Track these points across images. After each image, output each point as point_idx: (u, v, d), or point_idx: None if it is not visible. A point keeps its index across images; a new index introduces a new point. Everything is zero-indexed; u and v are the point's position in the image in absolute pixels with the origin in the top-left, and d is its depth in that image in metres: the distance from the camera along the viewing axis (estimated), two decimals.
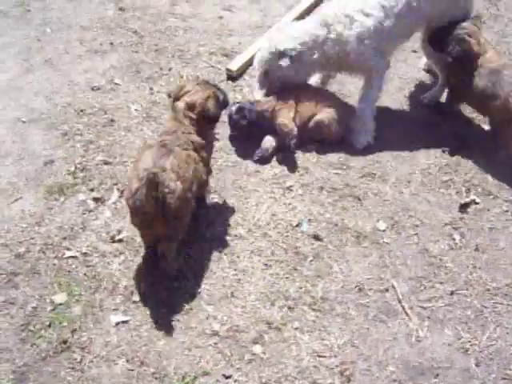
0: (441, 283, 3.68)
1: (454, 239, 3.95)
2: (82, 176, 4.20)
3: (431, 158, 4.50)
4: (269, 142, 4.42)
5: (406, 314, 3.51)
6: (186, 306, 3.46)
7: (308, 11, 6.05)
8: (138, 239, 3.76)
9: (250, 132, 4.49)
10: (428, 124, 4.81)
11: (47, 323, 3.35)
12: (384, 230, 3.96)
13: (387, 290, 3.62)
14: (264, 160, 4.39)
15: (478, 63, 4.43)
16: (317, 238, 3.86)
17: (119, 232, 3.83)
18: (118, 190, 4.10)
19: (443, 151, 4.55)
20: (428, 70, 5.34)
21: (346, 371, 3.23)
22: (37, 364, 3.19)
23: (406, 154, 4.53)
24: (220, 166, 4.35)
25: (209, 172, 3.88)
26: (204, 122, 3.67)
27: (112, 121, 4.66)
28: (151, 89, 4.98)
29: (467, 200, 4.19)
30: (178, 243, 3.54)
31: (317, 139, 4.54)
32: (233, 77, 5.13)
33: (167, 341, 3.32)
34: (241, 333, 3.36)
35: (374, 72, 4.60)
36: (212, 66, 5.27)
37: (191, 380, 3.15)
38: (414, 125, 4.80)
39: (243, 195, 4.14)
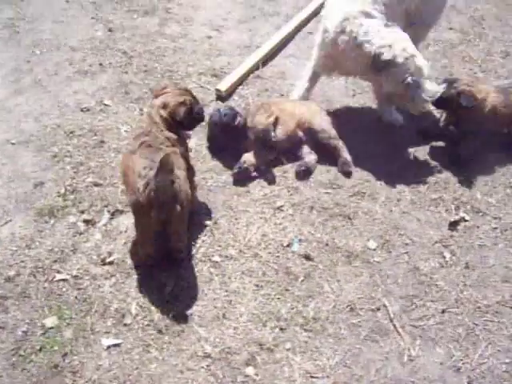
0: (432, 301, 3.69)
1: (444, 257, 3.96)
2: (72, 198, 4.19)
3: (420, 176, 4.53)
4: (245, 157, 4.44)
5: (398, 333, 3.51)
6: (178, 328, 3.45)
7: (296, 31, 6.12)
8: (129, 261, 3.77)
9: (229, 138, 4.54)
10: (416, 142, 4.84)
11: (38, 347, 3.32)
12: (374, 249, 3.97)
13: (379, 309, 3.63)
14: (243, 173, 4.37)
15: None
16: (308, 257, 3.86)
17: (110, 254, 3.82)
18: (108, 211, 4.09)
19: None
20: None
21: None
22: None
23: (394, 173, 4.55)
24: (210, 186, 4.35)
25: (189, 166, 3.94)
26: (173, 123, 3.79)
27: (102, 142, 4.66)
28: (141, 109, 4.99)
29: (457, 218, 4.22)
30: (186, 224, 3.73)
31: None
32: (222, 97, 5.16)
33: (159, 364, 3.30)
34: (233, 354, 3.34)
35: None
36: (201, 87, 5.29)
37: None
38: (402, 143, 4.83)
39: (234, 216, 4.14)
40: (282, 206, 4.21)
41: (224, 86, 5.19)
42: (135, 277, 3.70)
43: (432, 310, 3.64)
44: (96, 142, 4.67)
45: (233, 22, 6.24)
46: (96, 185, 4.30)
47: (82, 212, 4.10)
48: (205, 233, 4.00)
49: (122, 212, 4.10)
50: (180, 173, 3.54)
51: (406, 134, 4.92)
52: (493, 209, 4.33)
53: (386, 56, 4.24)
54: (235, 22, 6.23)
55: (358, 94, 5.33)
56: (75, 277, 3.70)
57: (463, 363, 3.38)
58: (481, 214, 4.29)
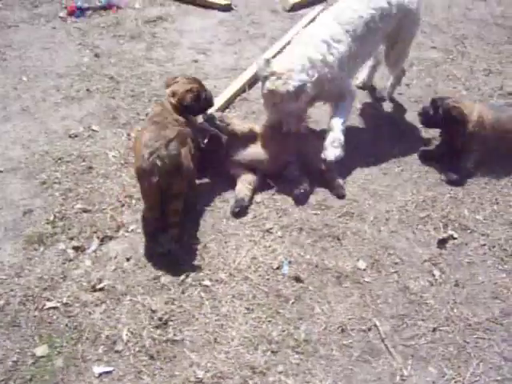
0: (423, 320, 3.69)
1: (433, 275, 3.97)
2: (61, 225, 4.19)
3: (408, 195, 4.57)
4: (242, 191, 4.43)
5: (390, 353, 3.50)
6: (170, 354, 3.43)
7: (281, 53, 6.16)
8: (119, 287, 3.76)
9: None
10: (403, 161, 4.89)
11: (28, 377, 3.29)
12: (364, 269, 3.98)
13: (370, 330, 3.62)
14: (243, 210, 4.37)
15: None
16: (298, 279, 3.86)
17: (100, 281, 3.81)
18: (97, 238, 4.09)
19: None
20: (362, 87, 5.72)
21: None
22: None
23: (382, 192, 4.58)
24: (199, 209, 4.36)
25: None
26: (182, 108, 4.30)
27: (90, 168, 4.68)
28: (128, 135, 5.02)
29: (445, 235, 4.24)
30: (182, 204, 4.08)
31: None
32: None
33: None
34: (225, 379, 3.32)
35: (348, 96, 4.77)
36: None
37: None
38: (389, 162, 4.88)
39: (223, 239, 4.14)
40: (270, 229, 4.22)
41: (211, 108, 5.19)
42: (126, 303, 3.69)
43: (423, 329, 3.64)
44: (84, 167, 4.68)
45: (219, 46, 6.30)
46: (85, 211, 4.30)
47: (72, 239, 4.09)
48: (194, 257, 4.00)
49: (111, 238, 4.10)
50: (184, 150, 3.98)
51: (392, 154, 4.97)
52: (480, 226, 4.36)
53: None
54: (221, 46, 6.29)
55: None
56: (65, 304, 3.68)
57: (455, 382, 3.37)
58: (469, 231, 4.32)
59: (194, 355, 3.44)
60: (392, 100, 5.63)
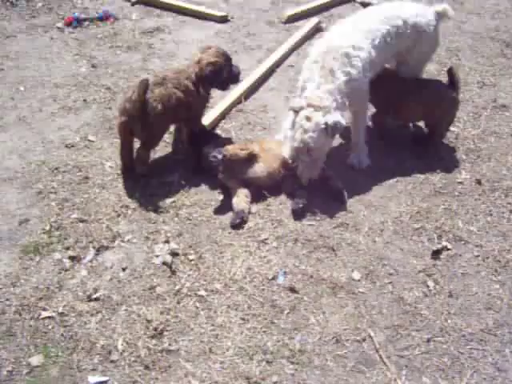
0: (417, 331, 3.71)
1: (427, 286, 3.99)
2: (57, 235, 4.20)
3: (402, 206, 4.59)
4: (240, 203, 4.44)
5: (384, 363, 3.52)
6: (165, 364, 3.44)
7: (277, 64, 6.22)
8: (115, 297, 3.77)
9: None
10: (398, 172, 4.92)
11: None
12: (359, 280, 3.99)
13: (364, 340, 3.64)
14: (243, 221, 4.38)
15: None
16: (293, 290, 3.88)
17: (96, 290, 3.82)
18: (93, 247, 4.10)
19: None
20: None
21: None
22: None
23: (377, 203, 4.61)
24: (194, 220, 4.38)
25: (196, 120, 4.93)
26: (201, 78, 4.63)
27: (86, 178, 4.69)
28: None
29: (439, 246, 4.26)
30: (149, 153, 4.67)
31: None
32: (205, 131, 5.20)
33: None
34: None
35: (365, 102, 4.88)
36: None
37: None
38: (383, 173, 4.91)
39: (218, 249, 4.16)
40: (266, 239, 4.24)
41: (206, 120, 5.24)
42: (121, 313, 3.70)
43: (417, 340, 3.66)
44: (81, 178, 4.70)
45: None
46: (81, 221, 4.32)
47: (68, 248, 4.10)
48: (190, 267, 4.02)
49: (107, 248, 4.11)
50: (158, 106, 4.41)
51: (386, 165, 5.00)
52: (474, 237, 4.39)
53: None
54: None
55: None
56: (61, 314, 3.68)
57: None
58: (463, 242, 4.34)
59: (189, 365, 3.44)
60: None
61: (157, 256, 4.04)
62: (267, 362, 3.48)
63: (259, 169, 4.60)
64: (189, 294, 3.84)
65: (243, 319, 3.70)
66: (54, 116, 5.40)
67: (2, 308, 3.70)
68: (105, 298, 3.78)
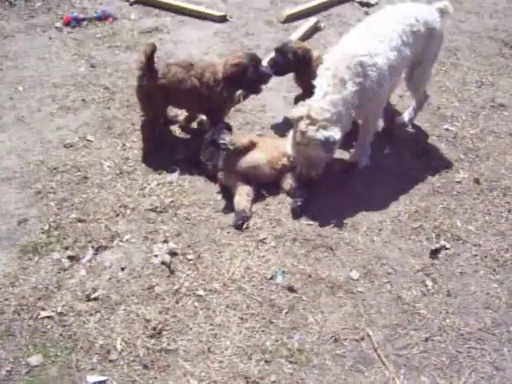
0: (415, 330, 3.72)
1: (426, 285, 4.00)
2: (56, 234, 4.20)
3: (400, 206, 4.60)
4: (241, 203, 4.43)
5: (382, 362, 3.53)
6: (163, 363, 3.45)
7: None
8: (114, 296, 3.78)
9: None
10: (396, 171, 4.92)
11: None
12: (357, 279, 4.00)
13: (363, 339, 3.65)
14: (246, 221, 4.38)
15: None
16: (291, 289, 3.89)
17: (94, 290, 3.82)
18: (92, 247, 4.11)
19: None
20: None
21: None
22: None
23: (375, 203, 4.62)
24: (193, 220, 4.39)
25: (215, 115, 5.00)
26: (226, 78, 4.72)
27: (85, 178, 4.69)
28: (124, 145, 5.04)
29: (437, 246, 4.27)
30: (149, 127, 4.91)
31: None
32: (204, 130, 5.19)
33: None
34: None
35: (379, 109, 4.87)
36: None
37: None
38: (382, 173, 4.91)
39: (217, 249, 4.17)
40: (264, 239, 4.25)
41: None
42: (120, 312, 3.71)
43: (415, 339, 3.67)
44: (79, 177, 4.70)
45: (214, 56, 6.32)
46: (80, 221, 4.32)
47: (66, 248, 4.11)
48: (189, 267, 4.02)
49: (106, 248, 4.12)
50: (163, 81, 4.66)
51: (385, 164, 5.01)
52: (473, 236, 4.40)
53: None
54: (216, 56, 6.31)
55: None
56: (60, 314, 3.69)
57: None
58: (461, 241, 4.35)
59: (187, 365, 3.45)
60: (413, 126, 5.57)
61: (155, 256, 4.05)
62: (266, 361, 3.49)
63: (259, 158, 4.61)
64: (187, 293, 3.85)
65: (242, 319, 3.71)
66: (52, 116, 5.40)
67: (1, 308, 3.71)
68: (104, 298, 3.79)
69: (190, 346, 3.55)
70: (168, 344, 3.55)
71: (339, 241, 4.27)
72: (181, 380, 3.38)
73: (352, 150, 5.00)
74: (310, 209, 4.51)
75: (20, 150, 4.97)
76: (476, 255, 4.26)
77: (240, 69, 4.70)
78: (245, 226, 4.34)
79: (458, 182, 4.86)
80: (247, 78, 4.73)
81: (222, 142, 4.54)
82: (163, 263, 4.00)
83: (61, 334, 3.58)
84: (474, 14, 7.62)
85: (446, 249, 4.28)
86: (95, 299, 3.79)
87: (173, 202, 4.51)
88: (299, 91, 5.39)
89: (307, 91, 4.83)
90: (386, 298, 3.91)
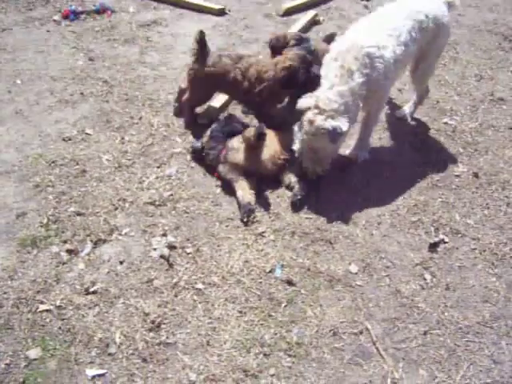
0: (414, 323, 3.72)
1: (425, 279, 4.01)
2: (54, 228, 4.20)
3: (399, 199, 4.60)
4: (245, 197, 4.41)
5: (381, 355, 3.53)
6: (162, 357, 3.44)
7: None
8: (112, 290, 3.78)
9: None
10: (395, 165, 4.93)
11: (21, 380, 3.29)
12: (356, 273, 4.00)
13: (361, 333, 3.65)
14: (252, 214, 4.36)
15: None
16: (290, 283, 3.89)
17: (93, 284, 3.82)
18: (91, 241, 4.10)
19: None
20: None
21: None
22: None
23: (374, 196, 4.62)
24: (192, 213, 4.38)
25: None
26: (277, 80, 4.75)
27: (84, 171, 4.68)
28: (122, 138, 5.03)
29: (436, 239, 4.27)
30: (190, 109, 5.26)
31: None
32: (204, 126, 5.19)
33: None
34: (218, 382, 3.34)
35: (383, 102, 4.87)
36: None
37: None
38: (381, 166, 4.92)
39: (216, 243, 4.16)
40: (263, 232, 4.24)
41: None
42: (119, 306, 3.70)
43: (414, 332, 3.67)
44: (78, 171, 4.69)
45: (212, 50, 6.29)
46: (78, 214, 4.31)
47: (65, 242, 4.10)
48: (187, 260, 4.02)
49: (104, 241, 4.11)
50: (209, 69, 4.95)
51: (383, 158, 5.00)
52: (471, 230, 4.41)
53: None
54: (215, 50, 6.29)
55: None
56: (59, 307, 3.68)
57: None
58: (460, 235, 4.36)
59: (186, 358, 3.45)
60: (413, 119, 5.58)
61: (154, 249, 4.04)
62: (264, 354, 3.49)
63: (261, 151, 4.60)
64: (186, 287, 3.85)
65: (240, 312, 3.71)
66: (51, 109, 5.39)
67: (0, 301, 3.70)
68: (102, 291, 3.78)
69: (188, 340, 3.55)
70: (167, 337, 3.54)
71: (338, 234, 4.27)
72: (180, 373, 3.38)
73: (351, 143, 4.99)
74: (309, 202, 4.50)
75: (18, 143, 4.96)
76: (474, 249, 4.26)
77: (291, 72, 4.68)
78: (251, 219, 4.34)
79: (457, 176, 4.87)
80: (298, 80, 4.68)
81: (235, 127, 4.75)
82: (162, 257, 4.00)
83: (60, 328, 3.58)
84: (474, 8, 7.63)
85: (445, 242, 4.28)
86: (94, 293, 3.78)
87: (171, 195, 4.51)
88: None
89: None
90: (385, 291, 3.91)
